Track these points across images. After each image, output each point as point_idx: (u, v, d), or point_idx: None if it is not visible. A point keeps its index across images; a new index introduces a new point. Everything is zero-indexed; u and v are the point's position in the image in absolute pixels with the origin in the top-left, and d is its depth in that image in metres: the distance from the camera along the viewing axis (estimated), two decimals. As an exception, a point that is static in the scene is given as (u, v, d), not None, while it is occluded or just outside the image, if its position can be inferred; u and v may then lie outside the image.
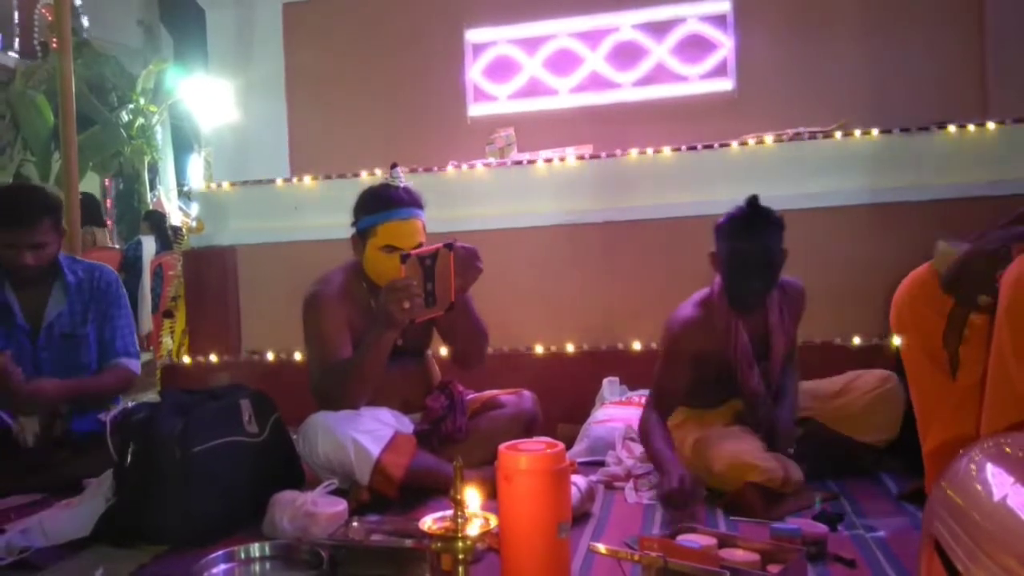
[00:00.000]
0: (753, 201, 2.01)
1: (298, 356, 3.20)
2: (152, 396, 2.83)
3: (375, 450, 1.90)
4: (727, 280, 2.07)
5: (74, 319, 2.40)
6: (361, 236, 2.05)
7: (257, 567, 1.61)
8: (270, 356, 3.25)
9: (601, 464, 2.25)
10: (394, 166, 2.09)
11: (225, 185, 3.53)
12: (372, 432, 1.94)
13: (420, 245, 2.02)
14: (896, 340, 1.20)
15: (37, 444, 2.24)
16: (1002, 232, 0.99)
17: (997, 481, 0.59)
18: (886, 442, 2.14)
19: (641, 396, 2.59)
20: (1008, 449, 0.62)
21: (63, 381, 2.31)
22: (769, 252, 2.01)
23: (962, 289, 0.98)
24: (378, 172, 3.31)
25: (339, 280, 2.10)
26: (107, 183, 14.01)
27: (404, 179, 2.08)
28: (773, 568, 1.38)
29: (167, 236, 6.66)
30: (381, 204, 2.02)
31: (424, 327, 2.20)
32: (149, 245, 6.79)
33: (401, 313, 1.88)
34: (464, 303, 2.09)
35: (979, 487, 0.59)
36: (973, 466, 0.62)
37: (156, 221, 7.32)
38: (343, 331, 2.03)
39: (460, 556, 1.20)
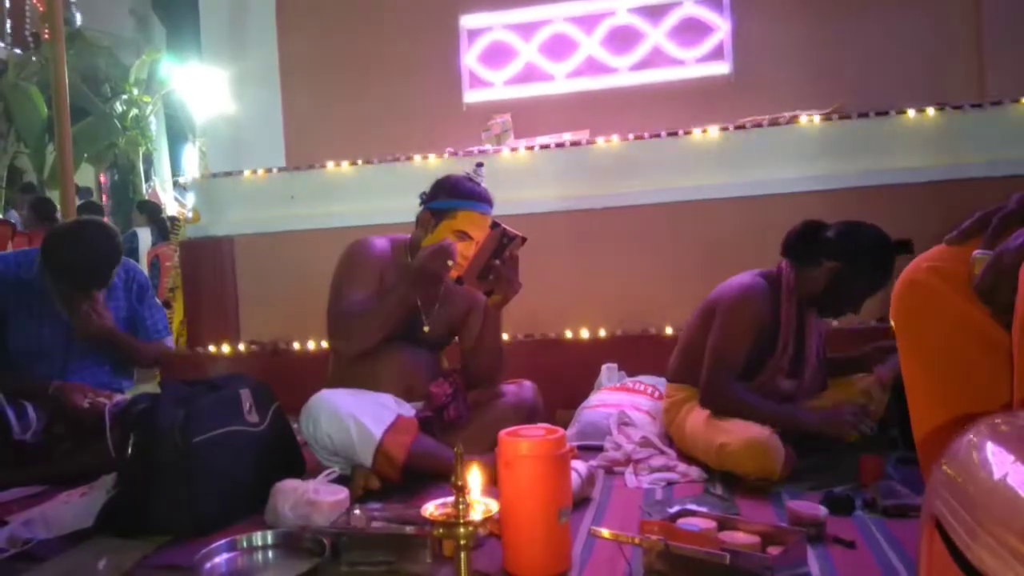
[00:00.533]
0: (909, 247, 2.05)
1: (297, 345, 3.20)
2: (152, 387, 2.84)
3: (377, 431, 1.91)
4: (839, 294, 2.11)
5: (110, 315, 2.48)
6: (436, 215, 2.12)
7: (260, 556, 1.61)
8: (269, 346, 3.25)
9: (598, 449, 2.26)
10: (480, 165, 2.22)
11: (221, 175, 3.51)
12: (375, 414, 1.96)
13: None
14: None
15: (37, 437, 2.25)
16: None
17: (997, 460, 0.59)
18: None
19: (637, 383, 2.60)
20: (1007, 428, 0.62)
21: (136, 351, 2.50)
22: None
23: (1000, 294, 0.97)
24: (373, 160, 3.31)
25: (385, 243, 2.22)
26: (102, 177, 13.95)
27: (485, 178, 2.20)
28: (773, 550, 1.39)
29: (164, 226, 6.64)
30: (469, 193, 2.13)
31: (453, 325, 2.28)
32: (145, 236, 6.76)
33: (445, 271, 2.01)
34: (496, 320, 2.17)
35: (979, 466, 0.60)
36: (973, 445, 0.62)
37: (151, 212, 7.29)
38: (375, 278, 2.13)
39: (462, 542, 1.20)
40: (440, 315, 2.25)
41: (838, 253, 2.09)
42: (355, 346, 2.09)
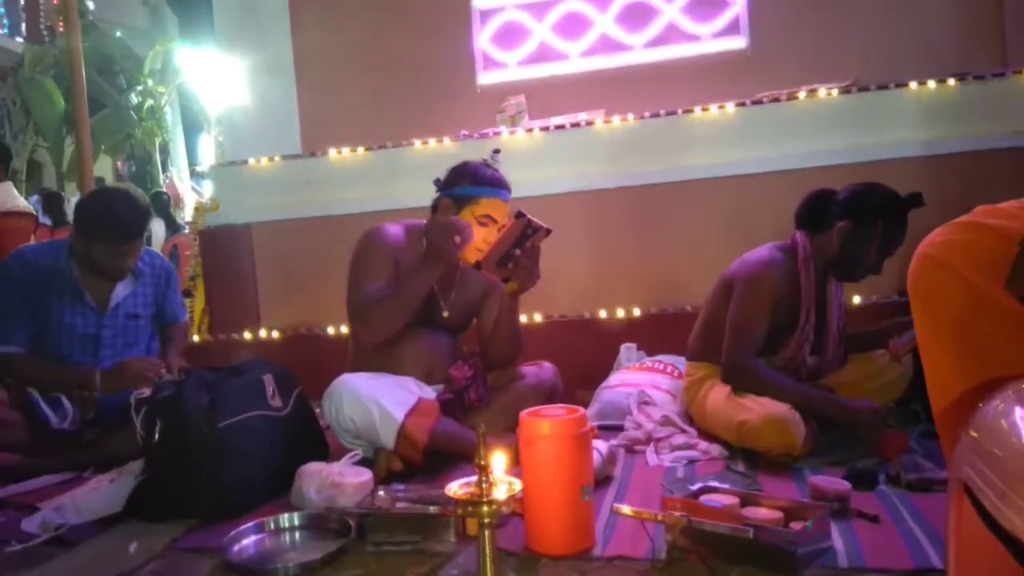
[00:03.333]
0: (919, 200, 2.05)
1: (317, 330, 3.22)
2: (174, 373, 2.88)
3: (399, 414, 1.93)
4: (854, 252, 2.10)
5: (137, 301, 2.53)
6: (457, 202, 2.11)
7: (287, 537, 1.65)
8: (290, 331, 3.28)
9: (619, 429, 2.26)
10: (496, 151, 2.23)
11: (238, 163, 3.53)
12: (396, 397, 1.98)
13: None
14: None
15: (69, 424, 2.29)
16: None
17: (1025, 424, 0.59)
18: None
19: (656, 362, 2.59)
20: (1035, 394, 0.62)
21: (177, 349, 2.61)
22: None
23: None
24: (388, 145, 3.31)
25: (400, 229, 2.22)
26: (119, 165, 14.07)
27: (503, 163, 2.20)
28: (796, 525, 1.39)
29: (172, 219, 6.69)
30: (491, 180, 2.12)
31: (471, 309, 2.28)
32: (158, 228, 6.82)
33: (452, 247, 1.98)
34: (513, 307, 2.16)
35: (1007, 430, 0.60)
36: (1001, 411, 0.62)
37: (161, 204, 7.32)
38: (391, 265, 2.12)
39: (486, 520, 1.21)
40: (458, 299, 2.25)
41: (847, 212, 2.09)
42: (378, 335, 2.08)
